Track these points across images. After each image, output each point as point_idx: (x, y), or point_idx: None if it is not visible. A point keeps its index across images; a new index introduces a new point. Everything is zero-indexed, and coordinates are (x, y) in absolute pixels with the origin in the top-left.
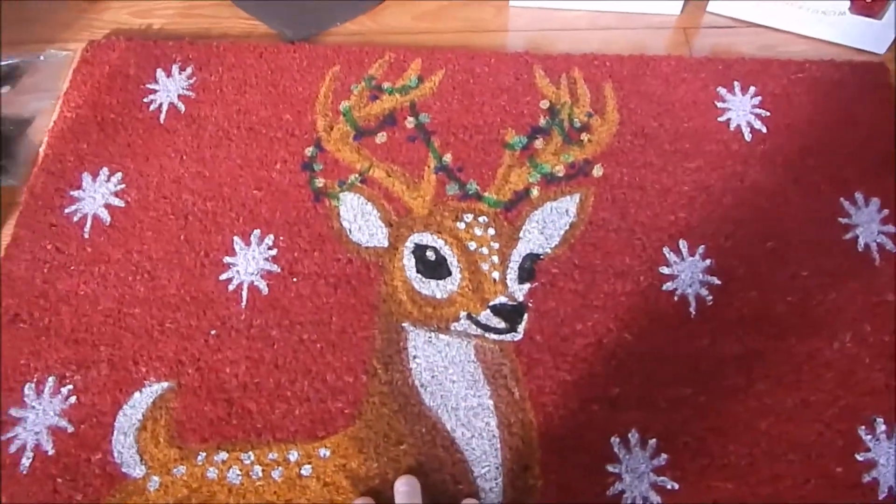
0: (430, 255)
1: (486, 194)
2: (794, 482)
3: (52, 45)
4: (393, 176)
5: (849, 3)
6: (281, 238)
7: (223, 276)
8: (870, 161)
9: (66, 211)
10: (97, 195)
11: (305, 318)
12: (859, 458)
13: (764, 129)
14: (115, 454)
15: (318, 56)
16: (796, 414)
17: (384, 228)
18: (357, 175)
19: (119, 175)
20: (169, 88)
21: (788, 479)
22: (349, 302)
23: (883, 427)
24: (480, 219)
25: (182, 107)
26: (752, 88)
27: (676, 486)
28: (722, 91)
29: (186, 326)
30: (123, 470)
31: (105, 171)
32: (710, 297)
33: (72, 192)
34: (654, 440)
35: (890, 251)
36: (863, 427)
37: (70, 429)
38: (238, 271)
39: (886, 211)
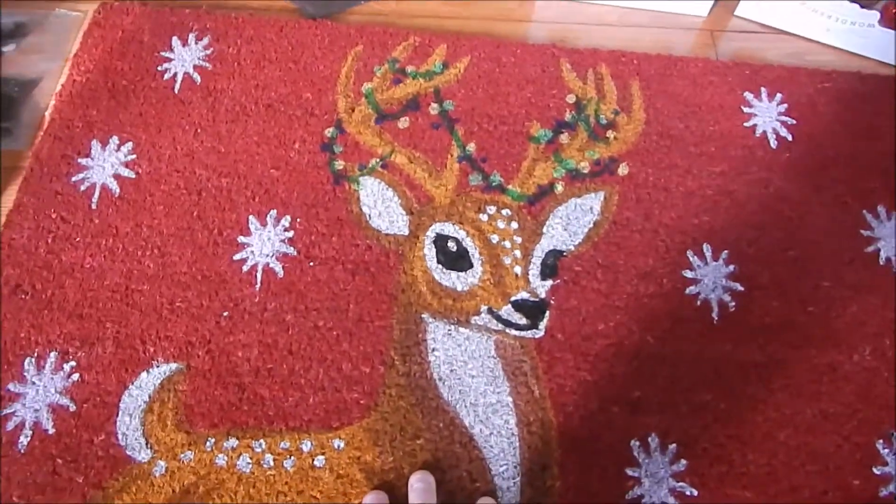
0: (452, 245)
1: (509, 187)
2: (811, 493)
3: (60, 5)
4: (415, 162)
5: (878, 16)
6: (298, 220)
7: (237, 256)
8: (893, 174)
9: (73, 179)
10: (106, 164)
11: (322, 304)
12: (876, 471)
13: (789, 137)
14: (120, 436)
15: (340, 34)
16: (815, 425)
17: (405, 216)
18: (378, 159)
19: (130, 145)
20: (184, 58)
21: (806, 491)
22: (367, 289)
23: None
24: (503, 212)
25: (198, 78)
26: (779, 95)
27: (695, 493)
28: (749, 96)
29: (197, 306)
30: (128, 453)
31: (115, 139)
32: (733, 304)
33: (79, 160)
34: (673, 445)
35: None
36: (881, 441)
37: (72, 407)
38: (253, 252)
39: None
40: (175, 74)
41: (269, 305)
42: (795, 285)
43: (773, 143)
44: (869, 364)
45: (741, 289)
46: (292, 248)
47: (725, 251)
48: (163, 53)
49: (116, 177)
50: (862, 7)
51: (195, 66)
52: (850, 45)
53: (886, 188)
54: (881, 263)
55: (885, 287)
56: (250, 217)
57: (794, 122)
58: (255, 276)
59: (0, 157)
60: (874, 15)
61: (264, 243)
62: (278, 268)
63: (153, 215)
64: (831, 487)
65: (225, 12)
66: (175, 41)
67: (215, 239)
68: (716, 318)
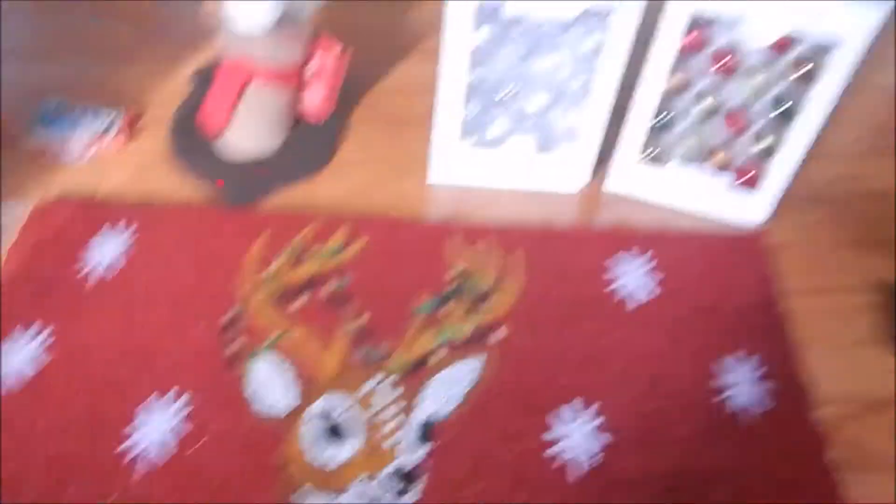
0: (334, 418)
1: (393, 357)
2: None
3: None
4: (307, 340)
5: (733, 178)
6: (192, 402)
7: (123, 447)
8: (746, 325)
9: None
10: (21, 354)
11: (209, 483)
12: None
13: (654, 295)
14: None
15: (250, 222)
16: None
17: (292, 392)
18: (273, 339)
19: (49, 331)
20: (104, 253)
21: None
22: (249, 467)
23: None
24: (387, 380)
25: (114, 270)
26: (646, 256)
27: None
28: (616, 259)
29: (82, 495)
30: None
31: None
32: (599, 457)
33: None
34: None
35: (756, 415)
36: None
37: None
38: (142, 436)
39: (758, 373)
40: (95, 267)
41: (154, 491)
42: (657, 437)
43: (638, 302)
44: None
45: (607, 442)
46: (182, 430)
47: (593, 407)
48: (86, 248)
49: (32, 363)
50: (711, 174)
51: (112, 261)
52: (709, 208)
53: (737, 341)
54: (728, 412)
55: (734, 435)
56: (145, 401)
57: (660, 280)
58: (139, 463)
59: None
60: (730, 177)
61: (154, 428)
62: (167, 449)
63: (54, 406)
64: None
65: (149, 206)
66: (98, 237)
67: (105, 430)
68: (582, 473)
